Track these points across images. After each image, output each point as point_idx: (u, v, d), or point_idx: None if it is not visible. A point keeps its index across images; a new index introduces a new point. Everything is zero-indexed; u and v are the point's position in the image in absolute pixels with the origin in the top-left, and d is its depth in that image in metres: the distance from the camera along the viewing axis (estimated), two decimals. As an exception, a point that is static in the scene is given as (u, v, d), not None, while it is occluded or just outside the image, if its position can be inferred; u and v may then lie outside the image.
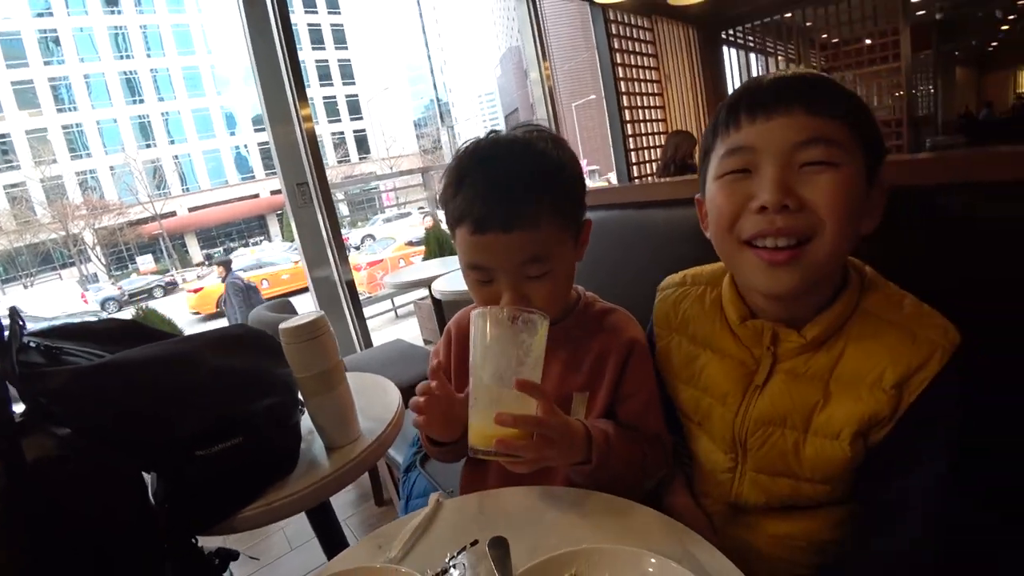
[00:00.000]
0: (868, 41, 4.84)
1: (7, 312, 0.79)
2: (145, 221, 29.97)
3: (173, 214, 32.06)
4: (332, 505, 1.10)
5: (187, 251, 32.46)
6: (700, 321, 0.73)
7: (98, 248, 28.47)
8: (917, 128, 6.01)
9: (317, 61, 39.00)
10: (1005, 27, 10.97)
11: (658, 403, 0.77)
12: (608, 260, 1.30)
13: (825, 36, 5.44)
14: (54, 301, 16.17)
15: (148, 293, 20.03)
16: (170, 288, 20.98)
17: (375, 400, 1.05)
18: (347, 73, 40.74)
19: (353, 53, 41.26)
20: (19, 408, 0.78)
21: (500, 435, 0.58)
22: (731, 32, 5.48)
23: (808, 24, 5.37)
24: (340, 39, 40.26)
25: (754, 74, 5.94)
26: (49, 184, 29.54)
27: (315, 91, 38.41)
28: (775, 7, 5.11)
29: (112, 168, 31.09)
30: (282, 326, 0.83)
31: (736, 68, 5.72)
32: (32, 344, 0.79)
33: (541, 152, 0.70)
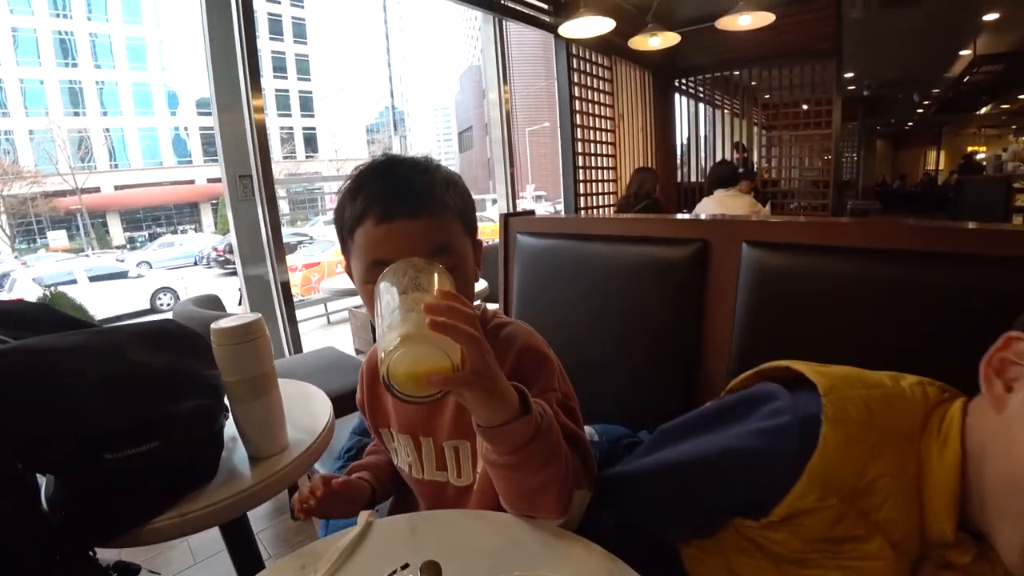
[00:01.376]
0: (805, 106, 5.25)
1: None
2: (63, 194, 27.66)
3: (97, 190, 29.82)
4: (248, 518, 1.05)
5: (108, 231, 30.20)
6: (893, 504, 0.51)
7: (3, 217, 25.95)
8: (841, 191, 6.56)
9: (273, 52, 37.84)
10: (920, 110, 12.17)
11: (570, 407, 0.71)
12: (550, 289, 1.33)
13: (768, 96, 5.85)
14: (-56, 270, 14.59)
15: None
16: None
17: (304, 409, 1.02)
18: (303, 68, 39.75)
19: (312, 49, 40.38)
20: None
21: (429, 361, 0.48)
22: (684, 81, 5.81)
23: (754, 83, 5.77)
24: (300, 33, 39.33)
25: (702, 122, 6.30)
26: None
27: (267, 82, 37.16)
28: (726, 64, 5.48)
29: (31, 132, 28.52)
30: (214, 326, 0.79)
31: (686, 114, 6.05)
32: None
33: (438, 166, 0.72)
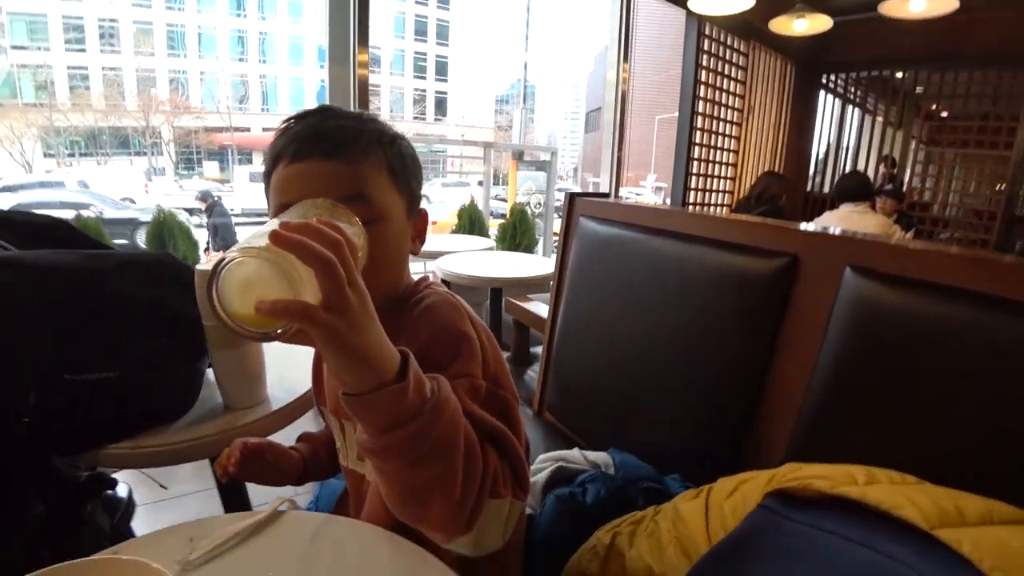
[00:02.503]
0: (981, 121, 4.44)
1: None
2: (220, 130, 31.22)
3: (248, 130, 33.14)
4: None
5: (252, 166, 33.50)
6: None
7: (172, 145, 29.86)
8: (1011, 227, 5.53)
9: (417, 16, 39.27)
10: None
11: (500, 400, 0.58)
12: (604, 283, 1.17)
13: (935, 106, 5.04)
14: (119, 184, 17.03)
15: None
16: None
17: (300, 368, 0.97)
18: (442, 34, 40.89)
19: (453, 15, 41.37)
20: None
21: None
22: (832, 78, 5.12)
23: (919, 89, 4.98)
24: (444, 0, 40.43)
25: (847, 127, 5.58)
26: (142, 75, 31.11)
27: (408, 44, 38.80)
28: (886, 61, 4.72)
29: (202, 73, 32.54)
30: (198, 267, 0.75)
31: (828, 117, 5.36)
32: (-58, 219, 0.74)
33: (376, 120, 0.63)
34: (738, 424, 0.91)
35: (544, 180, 6.56)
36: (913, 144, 5.49)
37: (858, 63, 4.91)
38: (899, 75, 4.89)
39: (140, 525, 1.02)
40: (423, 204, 0.68)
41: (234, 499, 1.03)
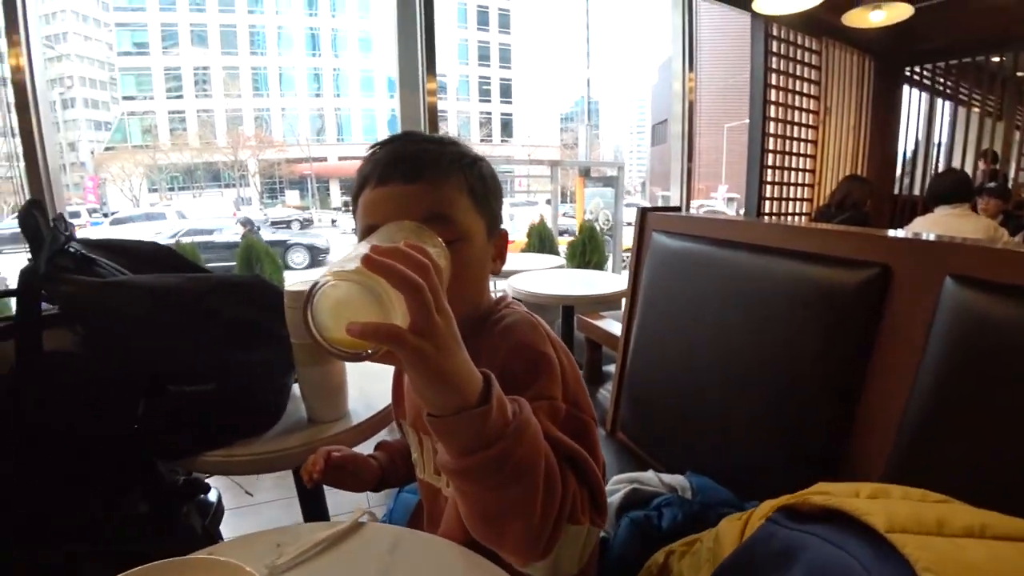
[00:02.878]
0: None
1: (55, 217, 0.83)
2: (299, 161, 33.63)
3: (324, 159, 35.38)
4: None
5: (329, 194, 35.62)
6: None
7: (257, 176, 32.48)
8: None
9: (480, 42, 40.46)
10: None
11: (579, 423, 0.57)
12: (678, 300, 1.14)
13: (1043, 91, 4.57)
14: (211, 213, 18.58)
15: (287, 224, 22.06)
16: (306, 224, 22.94)
17: (379, 383, 1.00)
18: (505, 57, 41.84)
19: (514, 39, 42.27)
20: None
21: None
22: (917, 70, 4.76)
23: (1021, 73, 4.54)
24: (505, 23, 41.42)
25: (937, 122, 5.16)
26: (231, 115, 34.21)
27: (472, 70, 40.01)
28: (980, 46, 4.33)
29: (283, 110, 35.40)
30: (287, 287, 0.80)
31: (917, 112, 4.97)
32: (71, 250, 0.83)
33: (456, 143, 0.65)
34: (826, 446, 0.84)
35: (612, 196, 6.51)
36: (1018, 136, 4.97)
37: (946, 50, 4.52)
38: (996, 59, 4.47)
39: (227, 528, 1.09)
40: (504, 224, 0.69)
41: (313, 506, 1.07)
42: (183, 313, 0.77)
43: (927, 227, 2.93)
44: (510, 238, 0.72)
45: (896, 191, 5.05)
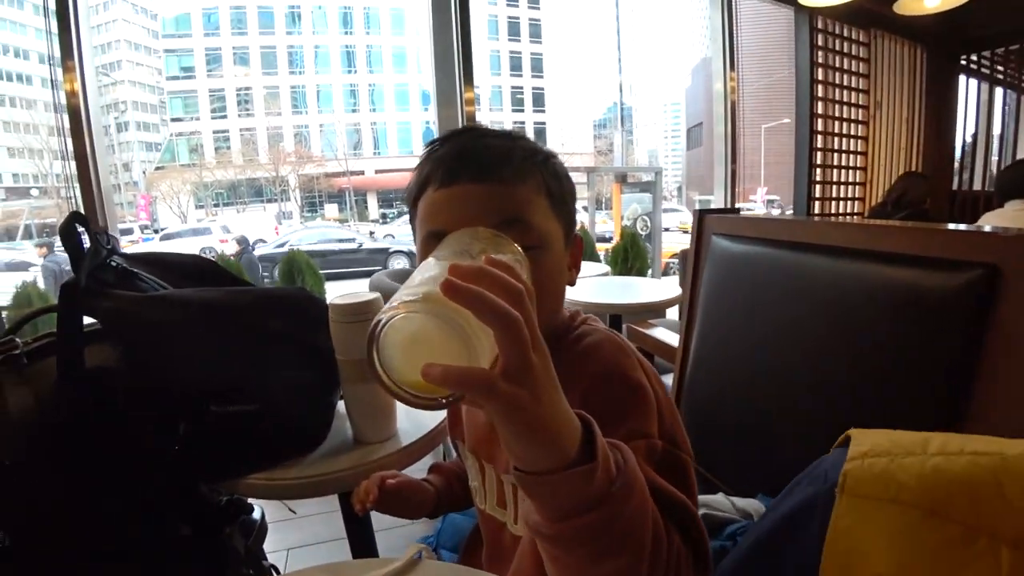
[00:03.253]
0: None
1: (96, 230, 0.81)
2: (338, 175, 34.68)
3: (361, 173, 36.35)
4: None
5: (367, 207, 36.47)
6: None
7: (297, 191, 33.61)
8: None
9: (511, 52, 40.79)
10: None
11: (676, 462, 0.50)
12: (743, 309, 1.05)
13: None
14: (254, 228, 19.28)
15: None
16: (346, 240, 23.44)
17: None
18: (537, 66, 42.05)
19: (546, 47, 42.46)
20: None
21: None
22: (973, 58, 4.50)
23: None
24: (536, 33, 41.66)
25: (998, 112, 4.86)
26: (272, 132, 35.61)
27: (505, 80, 40.36)
28: None
29: (321, 126, 36.80)
30: (332, 301, 0.76)
31: (974, 103, 4.70)
32: (113, 264, 0.81)
33: (525, 138, 0.59)
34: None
35: (649, 201, 6.38)
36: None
37: (1004, 36, 4.23)
38: (1061, 45, 4.18)
39: (269, 543, 1.06)
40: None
41: (359, 531, 1.03)
42: (223, 328, 0.73)
43: (999, 223, 2.74)
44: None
45: (955, 187, 4.77)
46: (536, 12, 41.73)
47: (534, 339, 0.32)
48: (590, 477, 0.34)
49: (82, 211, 2.40)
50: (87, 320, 0.77)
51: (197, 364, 0.72)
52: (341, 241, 14.70)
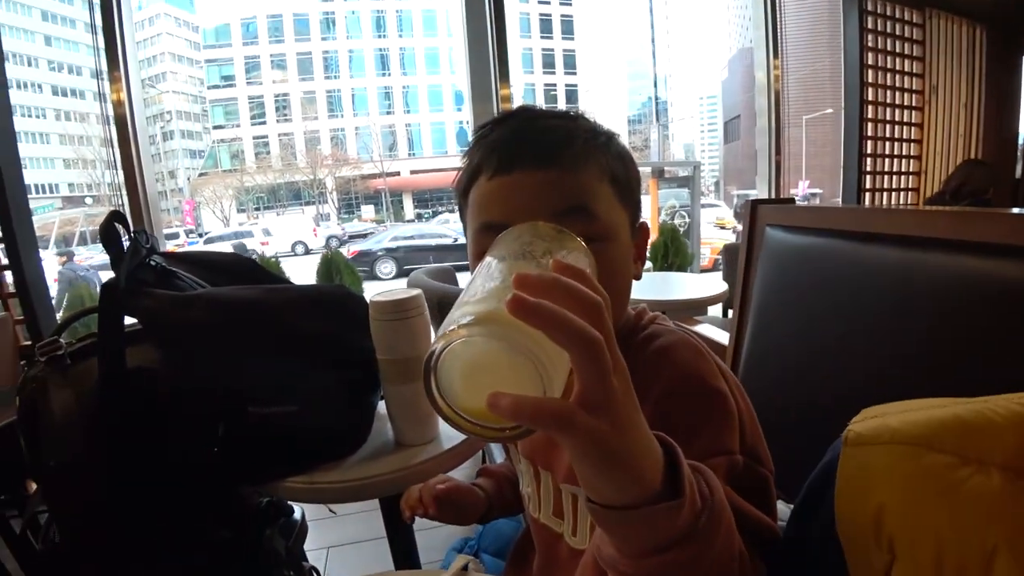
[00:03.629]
0: None
1: (136, 230, 0.80)
2: (374, 176, 35.35)
3: (397, 174, 36.92)
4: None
5: (402, 207, 37.08)
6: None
7: (334, 193, 34.64)
8: None
9: (544, 50, 40.69)
10: None
11: (758, 478, 0.46)
12: (801, 305, 0.98)
13: None
14: (292, 230, 19.74)
15: (363, 237, 22.93)
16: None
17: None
18: (570, 63, 41.87)
19: (578, 44, 42.25)
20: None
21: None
22: (1040, 38, 4.23)
23: None
24: (568, 29, 41.50)
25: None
26: (309, 136, 36.57)
27: (538, 78, 40.30)
28: None
29: (357, 129, 37.62)
30: (372, 298, 0.73)
31: (1039, 86, 4.41)
32: (152, 263, 0.80)
33: (585, 118, 0.54)
34: None
35: (687, 196, 6.25)
36: None
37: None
38: None
39: (309, 541, 1.05)
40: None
41: (398, 528, 1.01)
42: (261, 327, 0.71)
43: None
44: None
45: (1018, 175, 4.49)
46: (568, 8, 41.53)
47: (615, 360, 0.27)
48: (676, 513, 0.30)
49: (129, 217, 2.48)
50: (130, 320, 0.77)
51: (235, 364, 0.70)
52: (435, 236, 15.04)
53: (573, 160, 0.48)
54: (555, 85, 41.38)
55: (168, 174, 38.25)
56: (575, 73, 42.08)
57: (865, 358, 0.85)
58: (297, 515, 1.00)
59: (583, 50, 42.87)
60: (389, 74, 37.95)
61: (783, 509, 0.81)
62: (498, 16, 2.75)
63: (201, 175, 37.03)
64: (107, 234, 0.72)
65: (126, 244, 0.77)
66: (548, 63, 41.03)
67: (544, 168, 0.47)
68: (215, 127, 38.47)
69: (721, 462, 0.41)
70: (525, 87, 40.29)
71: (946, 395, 0.78)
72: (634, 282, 0.55)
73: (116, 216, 0.73)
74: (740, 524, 0.36)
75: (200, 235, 25.37)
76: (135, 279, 0.74)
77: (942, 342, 0.74)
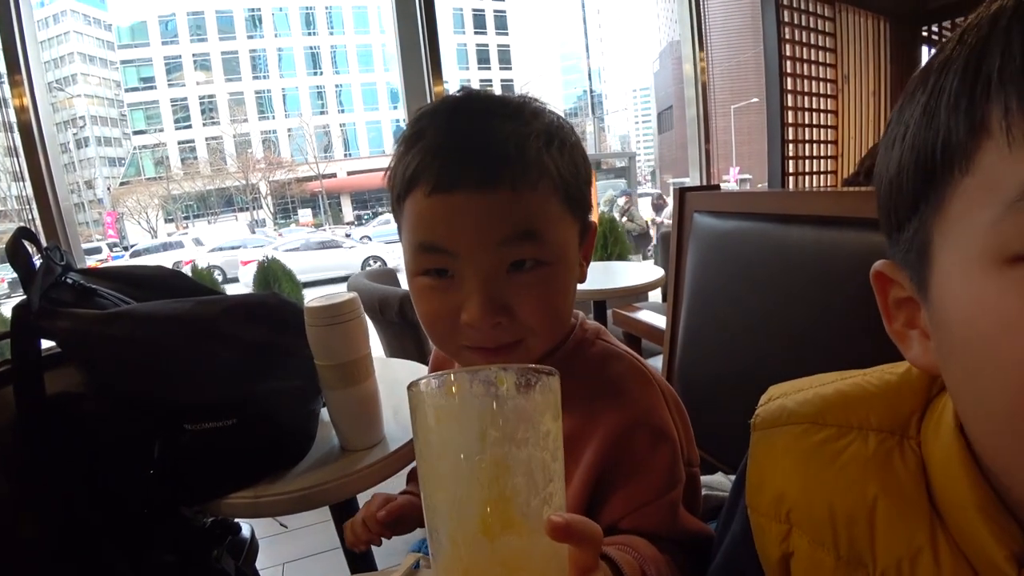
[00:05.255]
0: None
1: (47, 246, 0.76)
2: (310, 179, 34.22)
3: (334, 176, 35.89)
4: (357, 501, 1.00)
5: (341, 210, 36.06)
6: (885, 530, 0.31)
7: (269, 198, 33.15)
8: None
9: (478, 45, 40.58)
10: None
11: (680, 505, 0.48)
12: (732, 288, 1.03)
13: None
14: (226, 238, 18.87)
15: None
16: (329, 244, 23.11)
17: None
18: (504, 58, 41.96)
19: (513, 39, 42.37)
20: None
21: None
22: (935, 29, 4.59)
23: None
24: (502, 25, 41.54)
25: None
26: (239, 139, 35.01)
27: (473, 73, 40.15)
28: None
29: (289, 130, 36.39)
30: (307, 304, 0.71)
31: (936, 73, 4.79)
32: (69, 281, 0.76)
33: (535, 110, 0.48)
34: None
35: (624, 186, 6.40)
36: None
37: (964, 6, 4.34)
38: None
39: (263, 559, 1.02)
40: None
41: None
42: (193, 341, 0.69)
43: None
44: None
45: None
46: (501, 4, 41.58)
47: None
48: None
49: (41, 232, 2.30)
50: (48, 344, 0.72)
51: (167, 381, 0.67)
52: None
53: (523, 178, 0.43)
54: (491, 80, 41.37)
55: (85, 184, 35.66)
56: (510, 68, 42.23)
57: (789, 330, 0.91)
58: (246, 532, 0.97)
59: (517, 45, 43.10)
60: (321, 73, 36.79)
61: (720, 479, 0.86)
62: (429, 13, 2.72)
63: (123, 184, 34.76)
64: (14, 253, 0.67)
65: (38, 262, 0.73)
66: (483, 59, 40.98)
67: (490, 190, 0.42)
68: (136, 132, 36.15)
69: (673, 496, 0.47)
70: (460, 83, 40.10)
71: (858, 363, 0.85)
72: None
73: (23, 233, 0.68)
74: (688, 545, 0.44)
75: (125, 248, 23.87)
76: (49, 299, 0.70)
77: (855, 313, 0.80)
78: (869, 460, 0.32)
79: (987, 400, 0.24)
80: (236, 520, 0.91)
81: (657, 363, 1.34)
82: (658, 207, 10.28)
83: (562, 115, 0.51)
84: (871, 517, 0.30)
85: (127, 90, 36.14)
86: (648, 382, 0.50)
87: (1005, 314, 0.22)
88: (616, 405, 0.47)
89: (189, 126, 35.45)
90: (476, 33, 40.35)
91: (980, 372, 0.23)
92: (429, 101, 2.70)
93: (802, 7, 3.68)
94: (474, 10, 40.19)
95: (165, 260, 13.33)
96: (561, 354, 0.51)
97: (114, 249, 23.17)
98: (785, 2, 3.55)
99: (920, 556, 0.29)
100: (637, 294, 2.28)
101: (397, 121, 38.25)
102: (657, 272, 2.32)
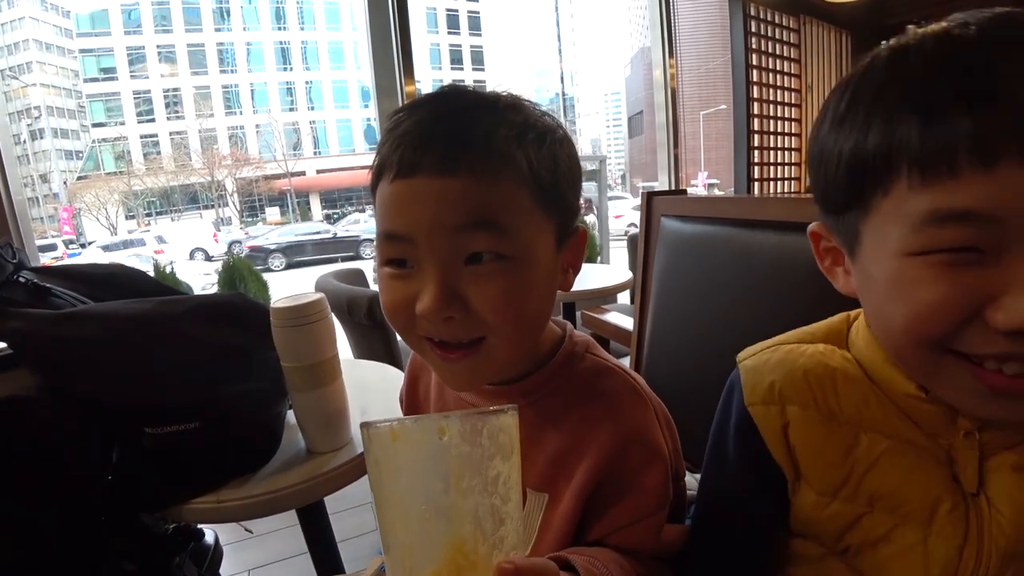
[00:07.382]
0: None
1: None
2: (278, 177, 33.37)
3: (303, 174, 35.14)
4: (325, 505, 0.98)
5: (309, 208, 35.39)
6: (843, 389, 0.44)
7: (235, 195, 32.21)
8: None
9: (451, 46, 40.43)
10: None
11: (662, 524, 0.49)
12: (699, 290, 1.06)
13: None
14: (190, 236, 18.34)
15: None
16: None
17: (381, 398, 0.91)
18: (477, 59, 41.92)
19: (486, 40, 42.36)
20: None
21: None
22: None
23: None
24: (475, 26, 41.49)
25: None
26: (205, 135, 33.90)
27: (446, 74, 39.98)
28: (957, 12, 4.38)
29: (257, 126, 35.38)
30: (273, 304, 0.71)
31: (894, 85, 4.99)
32: (22, 280, 0.73)
33: (518, 104, 0.47)
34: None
35: (595, 190, 6.46)
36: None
37: (925, 20, 4.55)
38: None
39: (228, 566, 0.99)
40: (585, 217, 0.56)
41: (320, 541, 0.99)
42: (153, 342, 0.67)
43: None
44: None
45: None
46: (475, 5, 41.53)
47: None
48: None
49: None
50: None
51: (126, 384, 0.65)
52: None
53: (485, 164, 0.42)
54: (463, 81, 41.30)
55: (40, 178, 34.21)
56: (483, 69, 42.22)
57: (752, 329, 0.93)
58: (209, 539, 0.95)
59: (491, 47, 43.12)
60: (291, 69, 35.97)
61: (688, 480, 0.88)
62: (402, 11, 2.70)
63: (80, 178, 33.33)
64: (-38, 250, 0.65)
65: (-13, 260, 0.70)
66: (456, 59, 40.87)
67: (449, 175, 0.41)
68: (95, 125, 34.69)
69: (662, 516, 0.48)
70: (433, 83, 39.90)
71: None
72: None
73: (-27, 230, 0.66)
74: (662, 559, 0.47)
75: (82, 245, 23.00)
76: (2, 299, 0.68)
77: (813, 314, 0.83)
78: (823, 353, 0.47)
79: (888, 321, 0.38)
80: (199, 526, 0.89)
81: (625, 363, 1.36)
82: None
83: (554, 115, 0.50)
84: (834, 384, 0.45)
85: (86, 80, 34.67)
86: (641, 398, 0.50)
87: (902, 280, 0.36)
88: (609, 421, 0.48)
89: (152, 120, 34.23)
90: (449, 33, 40.19)
91: (886, 307, 0.38)
92: (400, 100, 2.69)
93: (768, 18, 3.78)
94: (448, 10, 40.04)
95: (127, 257, 12.88)
96: (550, 368, 0.51)
97: (71, 246, 22.29)
98: (752, 12, 3.64)
99: (867, 402, 0.43)
100: (606, 296, 2.31)
101: (368, 119, 37.82)
102: (627, 274, 2.36)
